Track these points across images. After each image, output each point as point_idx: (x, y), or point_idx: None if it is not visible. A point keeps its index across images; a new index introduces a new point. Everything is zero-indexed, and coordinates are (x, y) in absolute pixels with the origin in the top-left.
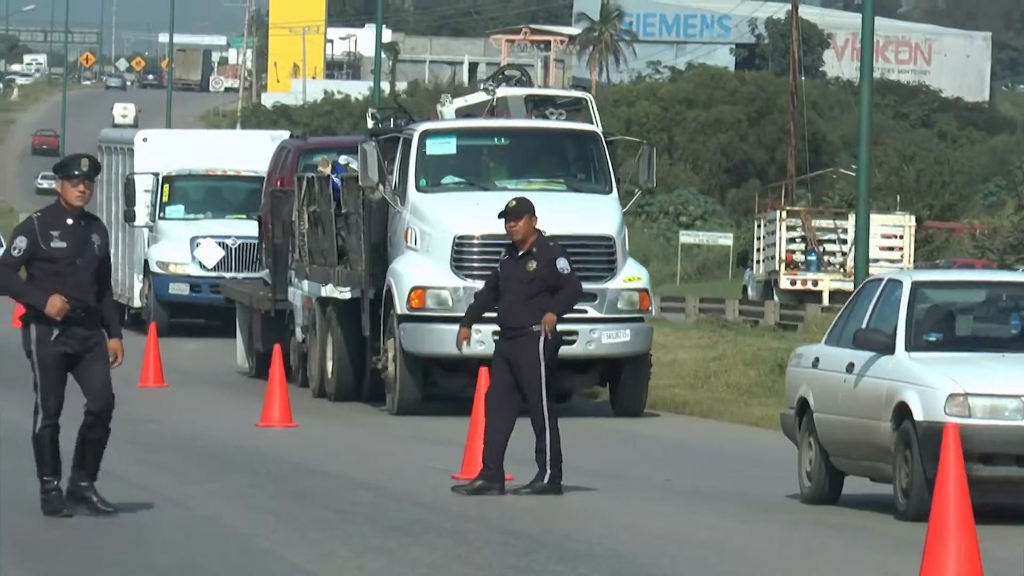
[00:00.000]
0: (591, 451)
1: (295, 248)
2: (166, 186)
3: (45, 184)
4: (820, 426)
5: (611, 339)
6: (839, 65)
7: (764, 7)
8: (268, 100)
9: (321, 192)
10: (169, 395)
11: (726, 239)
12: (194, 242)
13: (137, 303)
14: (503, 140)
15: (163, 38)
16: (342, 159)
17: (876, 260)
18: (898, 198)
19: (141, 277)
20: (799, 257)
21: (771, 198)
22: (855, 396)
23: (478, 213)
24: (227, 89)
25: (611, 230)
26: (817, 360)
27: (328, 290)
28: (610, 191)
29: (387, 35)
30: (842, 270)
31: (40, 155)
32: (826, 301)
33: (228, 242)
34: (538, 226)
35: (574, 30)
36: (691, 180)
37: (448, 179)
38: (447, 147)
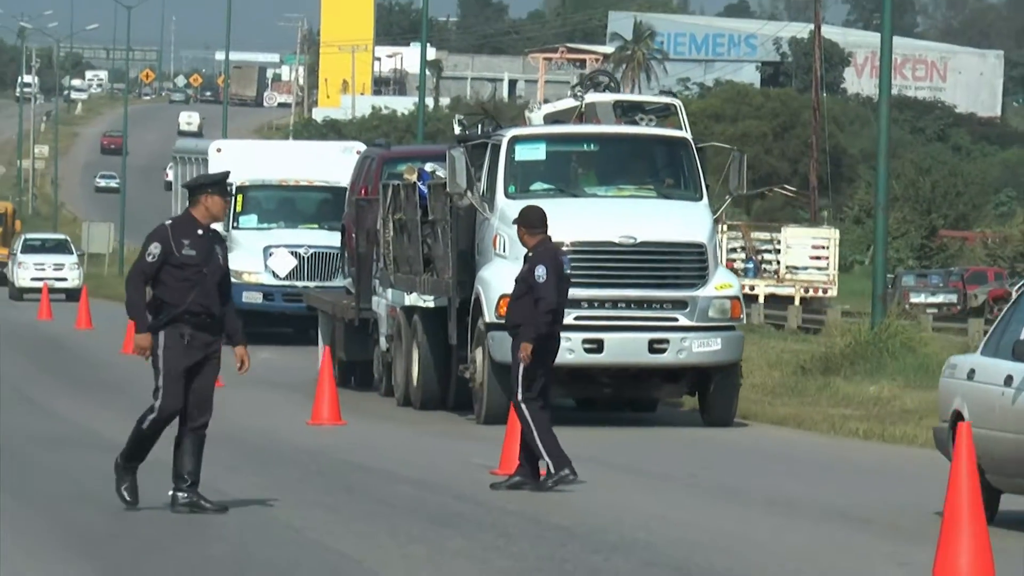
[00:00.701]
0: (700, 460)
1: (379, 257)
2: (240, 196)
3: (103, 183)
4: (975, 442)
5: (702, 348)
6: (859, 82)
7: (788, 27)
8: (319, 115)
9: (407, 200)
10: (226, 394)
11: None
12: (267, 251)
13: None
14: (593, 146)
15: (219, 56)
16: (428, 166)
17: (805, 267)
18: (825, 214)
19: None
20: (739, 265)
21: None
22: (1015, 411)
23: (569, 219)
24: (280, 104)
25: (703, 237)
26: (973, 372)
27: (413, 298)
28: (700, 198)
29: (431, 53)
30: (776, 276)
31: (108, 154)
32: (761, 301)
33: (300, 251)
34: (588, 235)
35: (608, 49)
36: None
37: (537, 185)
38: (536, 153)
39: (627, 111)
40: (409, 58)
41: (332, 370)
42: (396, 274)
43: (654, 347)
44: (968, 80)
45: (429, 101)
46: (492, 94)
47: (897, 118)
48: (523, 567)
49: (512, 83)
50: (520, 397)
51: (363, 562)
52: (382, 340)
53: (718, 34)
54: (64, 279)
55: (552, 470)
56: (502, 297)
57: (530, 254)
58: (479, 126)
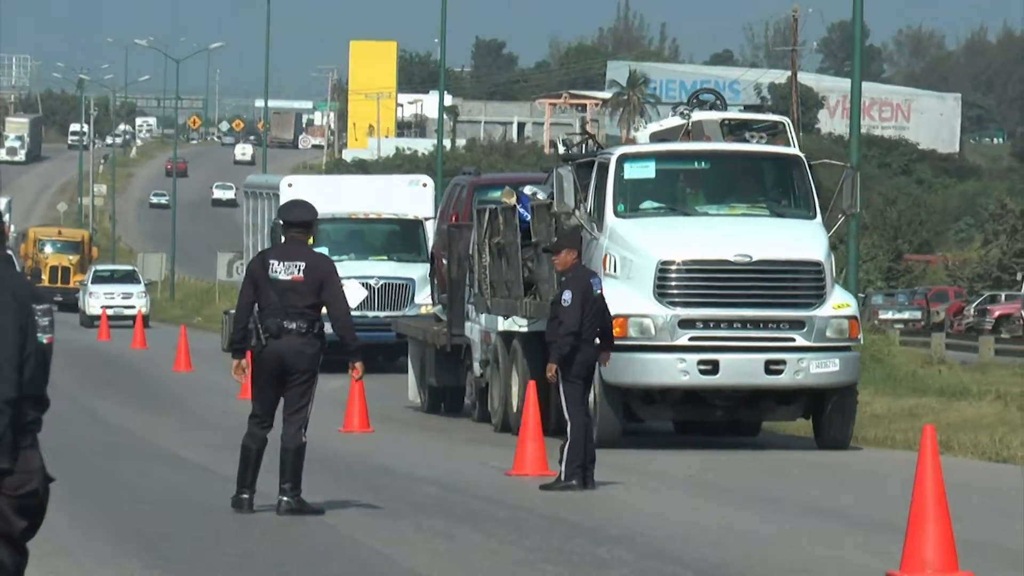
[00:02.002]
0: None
1: (474, 282)
2: None
3: (155, 200)
4: None
5: (820, 369)
6: (832, 122)
7: (767, 74)
8: (348, 155)
9: (506, 223)
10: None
11: None
12: None
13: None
14: (703, 164)
15: (259, 103)
16: (527, 189)
17: None
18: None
19: None
20: None
21: None
22: None
23: (681, 238)
24: (314, 146)
25: (820, 255)
26: None
27: (512, 323)
28: (814, 216)
29: (448, 100)
30: None
31: (171, 177)
32: None
33: (371, 282)
34: (702, 254)
35: (606, 94)
36: None
37: (647, 204)
38: (646, 171)
39: (734, 129)
40: (428, 104)
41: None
42: (493, 299)
43: (771, 368)
44: (930, 120)
45: (447, 142)
46: (503, 136)
47: (866, 154)
48: (534, 558)
49: (521, 126)
50: (568, 411)
51: (390, 555)
52: (475, 366)
53: (705, 80)
54: (133, 307)
55: (562, 478)
56: (614, 318)
57: (562, 279)
58: (582, 146)
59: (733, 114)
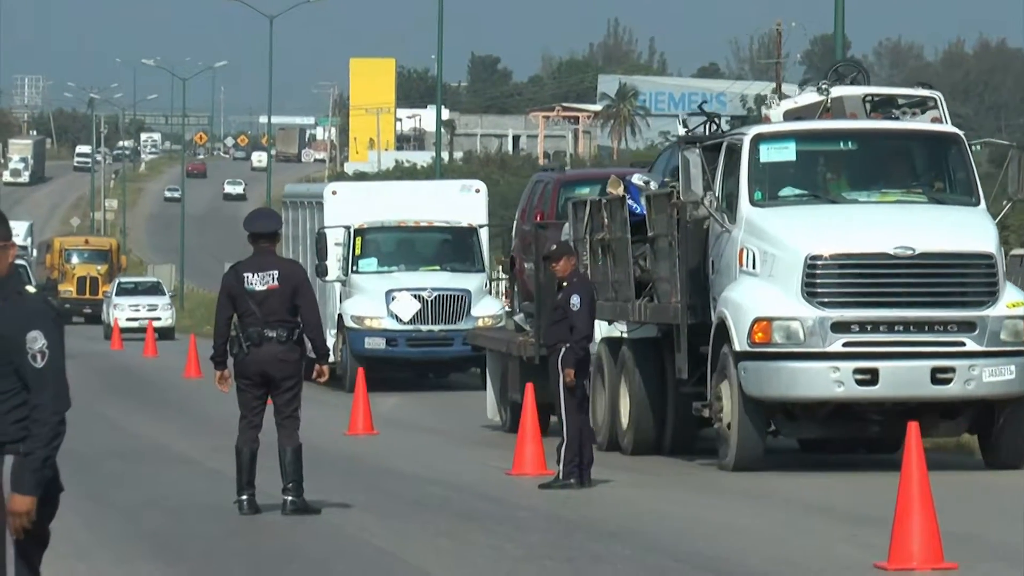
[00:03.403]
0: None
1: None
2: (358, 239)
3: (168, 194)
4: None
5: (994, 377)
6: None
7: (752, 86)
8: (350, 168)
9: (612, 217)
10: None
11: None
12: (389, 295)
13: (330, 358)
14: (850, 144)
15: (262, 119)
16: (635, 178)
17: None
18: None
19: (334, 332)
20: None
21: None
22: None
23: (832, 229)
24: (316, 160)
25: (991, 246)
26: None
27: (620, 328)
28: (977, 202)
29: (446, 114)
30: None
31: (191, 178)
32: None
33: (424, 294)
34: (856, 247)
35: (597, 107)
36: None
37: (787, 191)
38: (785, 153)
39: (878, 105)
40: (426, 118)
41: (366, 387)
42: (596, 302)
43: (938, 377)
44: None
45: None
46: (499, 148)
47: None
48: (534, 555)
49: (516, 138)
50: (566, 412)
51: (396, 553)
52: None
53: (693, 92)
54: (159, 318)
55: (560, 477)
56: (757, 321)
57: (564, 284)
58: (705, 127)
59: (877, 88)
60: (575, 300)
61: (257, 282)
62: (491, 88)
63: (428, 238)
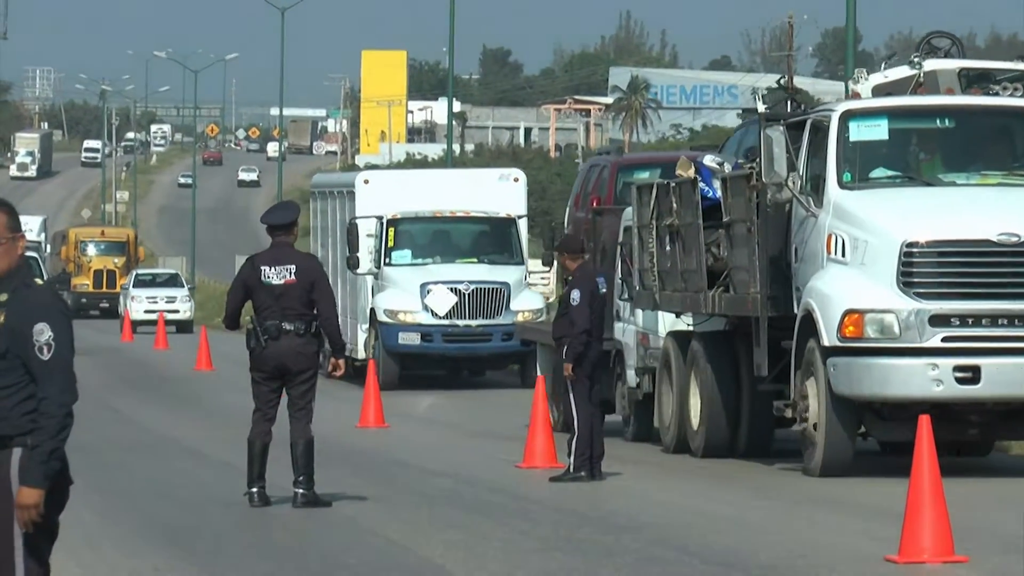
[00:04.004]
0: None
1: (631, 274)
2: (391, 230)
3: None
4: None
5: None
6: None
7: (764, 78)
8: (361, 161)
9: (682, 201)
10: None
11: None
12: (424, 288)
13: (362, 354)
14: (948, 122)
15: (274, 111)
16: (707, 159)
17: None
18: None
19: (366, 327)
20: None
21: None
22: None
23: (929, 214)
24: (327, 152)
25: None
26: None
27: (686, 321)
28: None
29: (457, 106)
30: None
31: (206, 165)
32: None
33: (461, 287)
34: (955, 233)
35: (609, 100)
36: None
37: (879, 172)
38: (877, 131)
39: (974, 80)
40: (438, 111)
41: (376, 380)
42: (663, 293)
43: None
44: None
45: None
46: (510, 141)
47: None
48: (545, 547)
49: (527, 131)
50: (576, 406)
51: (407, 545)
52: (629, 374)
53: (704, 85)
54: (177, 311)
55: (571, 469)
56: (848, 313)
57: (570, 277)
58: (786, 104)
59: (973, 62)
60: (575, 295)
61: (274, 276)
62: (503, 80)
63: (465, 229)
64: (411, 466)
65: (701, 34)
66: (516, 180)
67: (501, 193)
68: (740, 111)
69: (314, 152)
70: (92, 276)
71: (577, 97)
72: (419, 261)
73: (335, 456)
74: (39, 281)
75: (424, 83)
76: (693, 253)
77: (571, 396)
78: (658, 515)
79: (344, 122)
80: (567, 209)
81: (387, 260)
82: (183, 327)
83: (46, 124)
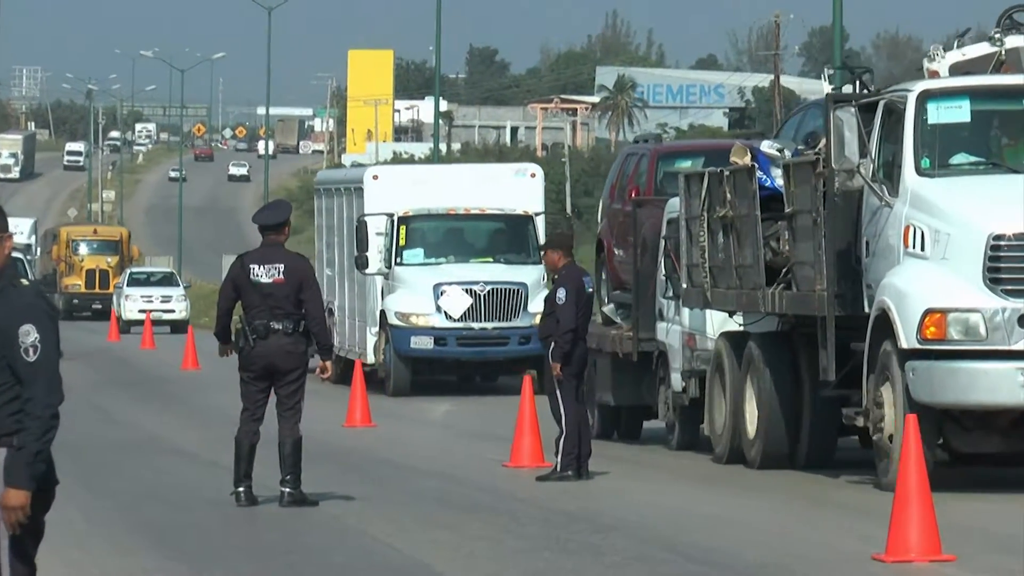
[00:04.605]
0: None
1: (670, 271)
2: (402, 228)
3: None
4: None
5: None
6: None
7: (751, 78)
8: (347, 160)
9: (736, 191)
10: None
11: None
12: (438, 289)
13: (371, 359)
14: None
15: (260, 110)
16: (764, 145)
17: None
18: None
19: (376, 331)
20: None
21: None
22: None
23: (1018, 204)
24: (314, 151)
25: None
26: None
27: (738, 321)
28: None
29: (444, 105)
30: None
31: (199, 161)
32: None
33: (476, 288)
34: (1006, 227)
35: (595, 99)
36: None
37: (960, 157)
38: (958, 113)
39: None
40: (424, 110)
41: (363, 379)
42: (715, 290)
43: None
44: None
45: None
46: (497, 140)
47: None
48: (532, 546)
49: (514, 130)
50: (563, 405)
51: (394, 545)
52: (674, 378)
53: (691, 85)
54: (172, 311)
55: (558, 469)
56: (928, 313)
57: (555, 276)
58: (854, 85)
59: None
60: (560, 294)
61: (263, 274)
62: (489, 80)
63: (480, 227)
64: (398, 465)
65: (688, 33)
66: (533, 176)
67: (517, 189)
68: (727, 110)
69: (300, 151)
70: (84, 276)
71: (564, 96)
72: (432, 261)
73: (322, 455)
74: (25, 282)
75: (411, 82)
76: (749, 247)
77: (558, 395)
78: (646, 514)
79: (331, 121)
80: (601, 201)
81: (398, 260)
82: (179, 327)
83: (33, 124)
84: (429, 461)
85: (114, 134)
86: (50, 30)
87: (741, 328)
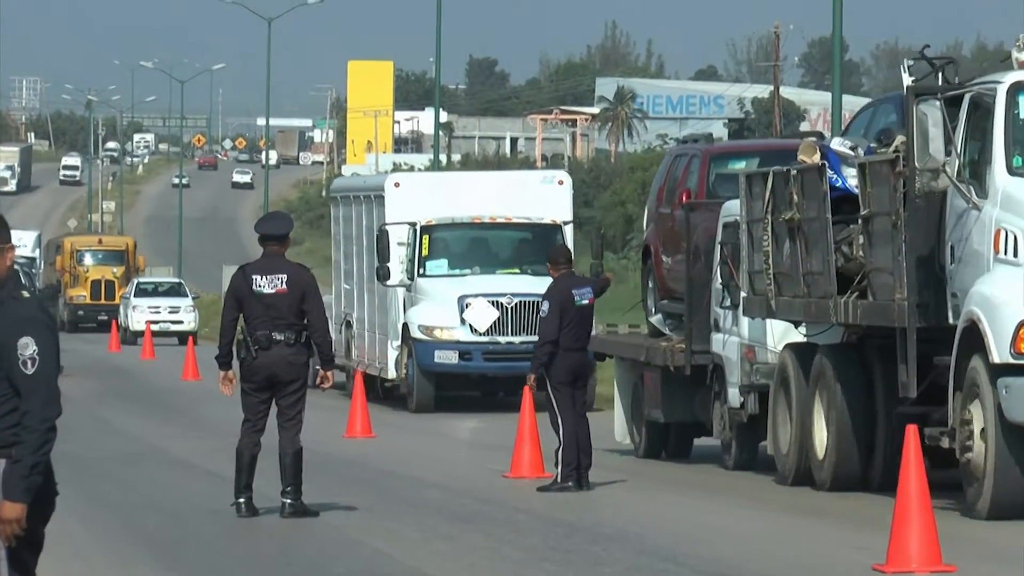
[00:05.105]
0: None
1: (727, 278)
2: (425, 237)
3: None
4: None
5: None
6: None
7: (751, 88)
8: (347, 171)
9: (805, 192)
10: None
11: None
12: (463, 302)
13: (392, 374)
14: None
15: (260, 121)
16: (835, 143)
17: None
18: None
19: (397, 344)
20: None
21: None
22: None
23: None
24: (314, 163)
25: None
26: None
27: (801, 332)
28: None
29: (444, 116)
30: None
31: (202, 170)
32: None
33: (503, 301)
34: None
35: (595, 110)
36: None
37: None
38: None
39: None
40: (424, 121)
41: (363, 389)
42: (779, 298)
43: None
44: None
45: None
46: (497, 151)
47: None
48: (533, 557)
49: (514, 141)
50: (560, 416)
51: (394, 555)
52: (731, 393)
53: (690, 95)
54: (180, 322)
55: (558, 479)
56: (1023, 326)
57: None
58: (938, 75)
59: None
60: (544, 306)
61: (266, 284)
62: (489, 90)
63: (506, 236)
64: (398, 476)
65: (687, 44)
66: (561, 183)
67: (545, 197)
68: (726, 121)
69: (300, 162)
70: (89, 287)
71: (563, 107)
72: (456, 272)
73: (322, 466)
74: (25, 294)
75: (411, 93)
76: (819, 252)
77: (554, 406)
78: (646, 525)
79: (330, 132)
80: (647, 205)
81: (421, 271)
82: (187, 339)
83: (33, 135)
84: (429, 472)
85: (111, 145)
86: (50, 41)
87: (807, 340)
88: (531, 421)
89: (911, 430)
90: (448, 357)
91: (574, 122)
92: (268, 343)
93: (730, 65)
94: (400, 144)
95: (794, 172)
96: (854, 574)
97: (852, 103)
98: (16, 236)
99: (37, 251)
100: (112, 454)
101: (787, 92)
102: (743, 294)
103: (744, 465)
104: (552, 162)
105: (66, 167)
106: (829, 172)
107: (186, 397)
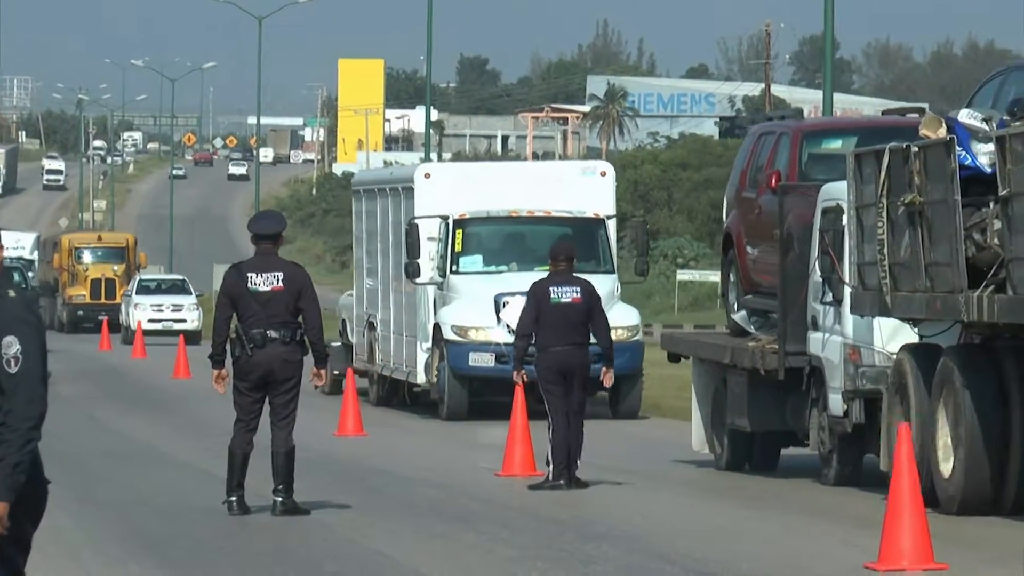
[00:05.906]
0: None
1: (827, 270)
2: (458, 232)
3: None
4: None
5: None
6: None
7: (742, 86)
8: (338, 169)
9: (929, 172)
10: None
11: (715, 276)
12: (500, 301)
13: (421, 379)
14: None
15: (251, 120)
16: (963, 115)
17: None
18: None
19: (428, 346)
20: None
21: None
22: None
23: None
24: (304, 161)
25: None
26: None
27: (916, 331)
28: None
29: (435, 114)
30: None
31: (199, 166)
32: None
33: None
34: None
35: (586, 108)
36: (687, 228)
37: None
38: None
39: None
40: (415, 119)
41: (355, 387)
42: (896, 293)
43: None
44: None
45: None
46: (488, 149)
47: None
48: (525, 556)
49: (505, 139)
50: (551, 414)
51: (388, 554)
52: (833, 400)
53: (681, 93)
54: (183, 320)
55: (550, 477)
56: None
57: None
58: None
59: None
60: (524, 301)
61: (262, 283)
62: (480, 89)
63: (545, 231)
64: (390, 474)
65: (678, 43)
66: (604, 174)
67: (586, 189)
68: (717, 119)
69: (291, 161)
70: (89, 286)
71: (554, 105)
72: (492, 269)
73: (314, 464)
74: (12, 293)
75: (401, 92)
76: (946, 240)
77: (546, 404)
78: (639, 524)
79: (321, 131)
80: (726, 192)
81: (454, 267)
82: (191, 338)
83: (24, 134)
84: (421, 470)
85: (97, 143)
86: (41, 40)
87: (921, 339)
88: (523, 420)
89: (903, 428)
90: (483, 360)
91: (565, 120)
92: (263, 341)
93: (721, 63)
94: (391, 142)
95: (915, 149)
96: (846, 573)
97: (843, 101)
98: (15, 238)
99: (36, 253)
100: (103, 452)
101: (778, 90)
102: (849, 288)
103: (846, 480)
104: (543, 160)
105: (49, 171)
106: (957, 148)
107: (177, 395)
